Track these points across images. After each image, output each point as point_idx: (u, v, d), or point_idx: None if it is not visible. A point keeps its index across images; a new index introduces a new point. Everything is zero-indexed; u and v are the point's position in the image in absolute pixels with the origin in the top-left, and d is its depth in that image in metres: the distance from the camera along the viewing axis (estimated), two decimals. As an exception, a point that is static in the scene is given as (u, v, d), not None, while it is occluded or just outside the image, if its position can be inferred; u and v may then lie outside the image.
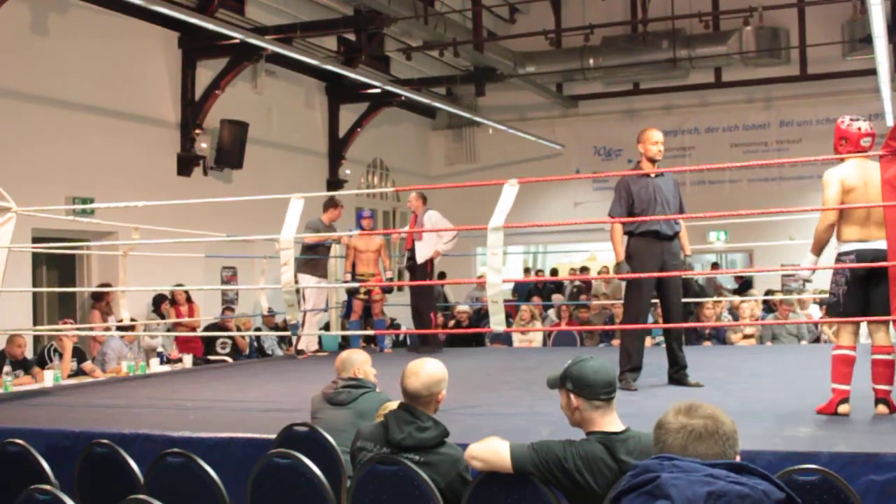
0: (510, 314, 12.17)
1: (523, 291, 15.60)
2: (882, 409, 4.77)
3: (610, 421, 3.13)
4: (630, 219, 6.11)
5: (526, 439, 3.21)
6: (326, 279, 10.01)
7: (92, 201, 10.14)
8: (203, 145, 12.16)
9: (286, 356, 10.44)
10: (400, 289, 15.31)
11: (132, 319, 8.98)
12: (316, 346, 9.98)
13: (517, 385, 6.84)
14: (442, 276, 10.30)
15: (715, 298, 11.66)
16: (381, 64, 15.81)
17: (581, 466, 3.04)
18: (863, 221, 4.83)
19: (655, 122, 15.52)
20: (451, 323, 11.91)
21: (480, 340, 11.61)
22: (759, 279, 15.56)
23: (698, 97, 17.02)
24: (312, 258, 9.60)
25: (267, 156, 13.42)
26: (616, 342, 9.43)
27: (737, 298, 12.22)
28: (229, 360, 10.25)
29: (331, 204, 9.67)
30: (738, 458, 2.24)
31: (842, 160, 4.97)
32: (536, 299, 14.04)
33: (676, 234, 6.30)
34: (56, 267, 10.82)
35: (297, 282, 7.38)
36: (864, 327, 5.70)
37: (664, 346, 6.48)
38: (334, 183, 15.05)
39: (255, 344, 10.87)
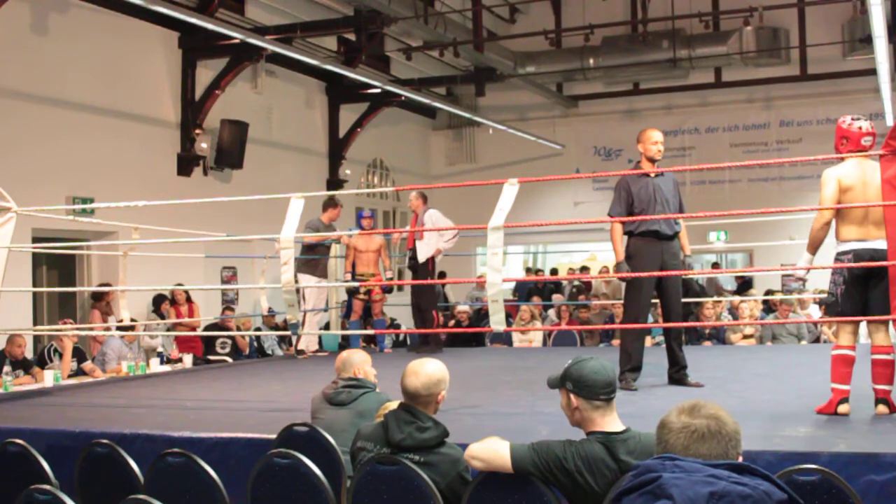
0: (510, 314, 12.16)
1: (523, 291, 15.60)
2: (882, 409, 4.77)
3: (610, 421, 3.13)
4: (630, 218, 6.11)
5: (526, 439, 3.21)
6: (326, 279, 10.01)
7: (92, 201, 10.14)
8: (203, 145, 12.16)
9: (286, 356, 10.44)
10: (400, 289, 15.32)
11: (132, 319, 8.97)
12: (316, 346, 9.98)
13: (517, 385, 6.84)
14: (442, 275, 10.30)
15: (715, 298, 11.67)
16: (381, 64, 15.81)
17: (581, 466, 3.04)
18: (861, 221, 4.84)
19: (655, 122, 15.55)
20: (451, 323, 11.91)
21: (480, 340, 11.61)
22: (759, 279, 15.56)
23: (698, 97, 17.02)
24: (312, 258, 9.60)
25: (267, 156, 13.42)
26: (616, 342, 9.43)
27: (737, 298, 12.22)
28: (229, 360, 10.25)
29: (330, 203, 9.67)
30: (740, 459, 2.24)
31: (842, 160, 4.97)
32: (536, 299, 14.04)
33: (676, 234, 6.30)
34: (56, 267, 10.82)
35: (297, 282, 7.37)
36: (863, 327, 5.71)
37: (664, 346, 6.48)
38: (334, 183, 15.06)
39: (255, 344, 10.87)
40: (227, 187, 12.63)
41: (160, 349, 9.98)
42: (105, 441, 4.09)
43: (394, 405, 3.69)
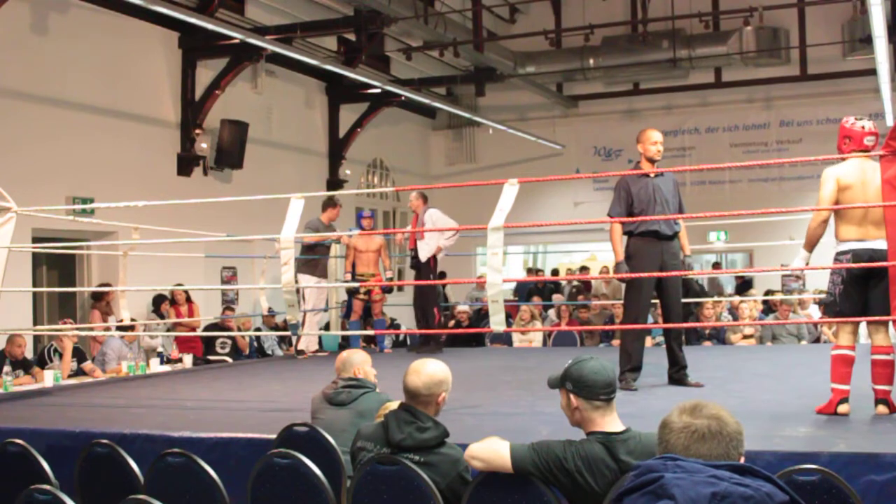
0: (510, 314, 12.17)
1: (523, 292, 15.60)
2: (882, 409, 4.77)
3: (610, 421, 3.13)
4: (629, 219, 6.11)
5: (526, 439, 3.21)
6: (326, 279, 10.01)
7: (92, 201, 10.14)
8: (203, 145, 12.16)
9: (286, 356, 10.44)
10: (400, 289, 15.32)
11: (132, 319, 8.97)
12: (316, 347, 9.98)
13: (517, 385, 6.84)
14: (442, 276, 10.31)
15: (715, 298, 11.67)
16: (381, 64, 15.81)
17: (581, 466, 3.04)
18: (860, 221, 4.84)
19: (655, 122, 15.55)
20: (451, 323, 11.91)
21: (480, 340, 11.61)
22: (759, 279, 15.56)
23: (698, 97, 17.02)
24: (312, 258, 9.60)
25: (267, 156, 13.42)
26: (616, 342, 9.43)
27: (737, 298, 12.22)
28: (229, 360, 10.25)
29: (329, 203, 9.67)
30: (742, 460, 2.24)
31: (843, 159, 4.97)
32: (536, 299, 14.04)
33: (676, 234, 6.30)
34: (56, 267, 10.82)
35: (296, 282, 7.37)
36: (863, 327, 5.71)
37: (664, 346, 6.48)
38: (334, 183, 15.06)
39: (255, 344, 10.87)
40: (227, 187, 12.63)
41: (160, 349, 9.98)
42: (105, 441, 4.09)
43: (394, 405, 3.69)
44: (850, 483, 3.15)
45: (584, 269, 17.06)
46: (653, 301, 6.55)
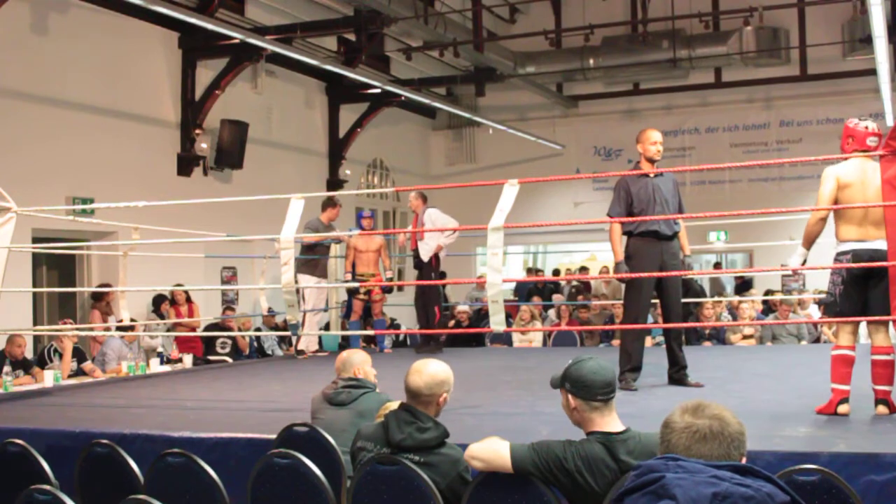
0: (510, 314, 12.17)
1: (523, 292, 15.60)
2: (882, 409, 4.77)
3: (610, 421, 3.14)
4: (629, 219, 6.11)
5: (526, 439, 3.21)
6: (326, 279, 10.01)
7: (92, 201, 10.14)
8: (203, 145, 12.16)
9: (286, 356, 10.44)
10: (400, 289, 15.31)
11: (132, 319, 8.98)
12: (316, 347, 9.98)
13: (517, 385, 6.84)
14: (442, 275, 10.31)
15: (715, 299, 11.67)
16: (381, 64, 15.81)
17: (581, 467, 3.04)
18: (860, 221, 4.83)
19: (655, 122, 15.55)
20: (452, 323, 11.91)
21: (480, 340, 11.61)
22: (759, 279, 15.56)
23: (698, 97, 17.02)
24: (312, 258, 9.60)
25: (267, 156, 13.42)
26: (616, 342, 9.43)
27: (736, 298, 12.22)
28: (229, 360, 10.25)
29: (329, 203, 9.67)
30: (744, 461, 2.24)
31: (844, 159, 4.97)
32: (536, 299, 14.04)
33: (676, 235, 6.30)
34: (56, 267, 10.82)
35: (296, 282, 7.36)
36: (863, 327, 5.71)
37: (664, 346, 6.48)
38: (334, 183, 15.06)
39: (255, 344, 10.87)
40: (227, 187, 12.63)
41: (160, 349, 9.98)
42: (105, 441, 4.09)
43: (394, 405, 3.69)
44: (850, 483, 3.15)
45: (583, 269, 17.06)
46: (653, 301, 6.55)
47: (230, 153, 12.41)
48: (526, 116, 17.94)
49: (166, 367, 9.17)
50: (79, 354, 8.80)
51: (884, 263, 4.67)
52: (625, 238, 6.29)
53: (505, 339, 11.21)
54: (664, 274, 6.11)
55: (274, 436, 4.23)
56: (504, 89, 16.89)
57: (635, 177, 6.22)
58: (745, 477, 2.14)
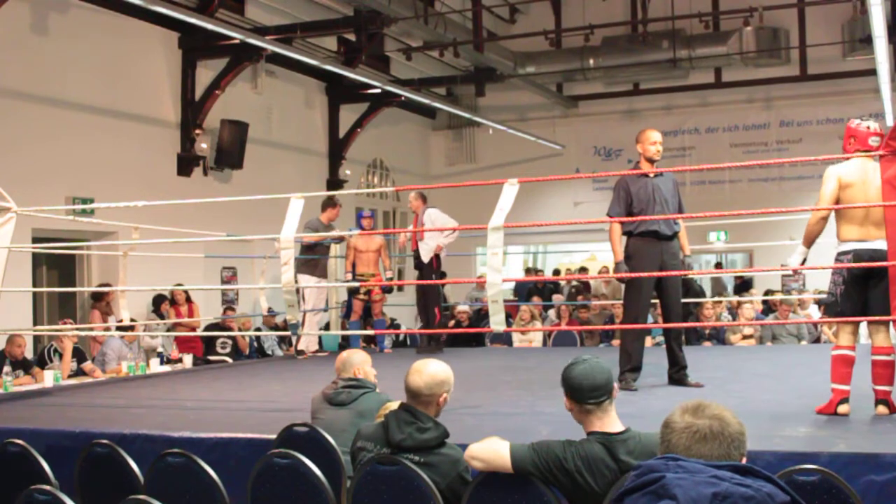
0: (510, 314, 12.17)
1: (523, 292, 15.59)
2: (882, 409, 4.77)
3: (609, 421, 3.14)
4: (629, 219, 6.11)
5: (526, 439, 3.21)
6: (326, 279, 10.01)
7: (92, 201, 10.14)
8: (203, 145, 12.16)
9: (286, 356, 10.44)
10: (400, 289, 15.31)
11: (132, 319, 8.97)
12: (316, 347, 9.98)
13: (517, 385, 6.84)
14: (442, 276, 10.31)
15: (715, 299, 11.66)
16: (381, 64, 15.81)
17: (581, 467, 3.04)
18: (861, 221, 4.83)
19: (655, 122, 15.55)
20: (452, 323, 11.91)
21: (480, 340, 11.61)
22: (759, 279, 15.56)
23: (698, 97, 17.02)
24: (312, 258, 9.60)
25: (267, 156, 13.42)
26: (616, 342, 9.43)
27: (736, 298, 12.22)
28: (229, 360, 10.25)
29: (329, 203, 9.67)
30: (744, 461, 2.24)
31: (845, 159, 4.96)
32: (536, 299, 14.04)
33: (675, 234, 6.30)
34: (56, 267, 10.82)
35: (296, 282, 7.37)
36: (863, 328, 5.70)
37: (664, 346, 6.48)
38: (334, 183, 15.05)
39: (255, 344, 10.87)
40: (227, 187, 12.63)
41: (160, 349, 9.98)
42: (105, 441, 4.09)
43: (394, 405, 3.69)
44: (850, 483, 3.15)
45: (583, 269, 17.06)
46: (653, 301, 6.55)
47: (230, 153, 12.41)
48: (526, 116, 17.94)
49: (166, 367, 9.17)
50: (79, 354, 8.80)
51: (884, 263, 4.67)
52: (624, 238, 6.29)
53: (505, 339, 11.21)
54: (664, 274, 6.11)
55: (274, 436, 4.23)
56: (504, 89, 16.89)
57: (635, 177, 6.22)
58: (746, 477, 2.14)
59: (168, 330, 10.56)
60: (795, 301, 11.08)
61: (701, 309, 10.45)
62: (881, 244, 4.74)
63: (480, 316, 12.40)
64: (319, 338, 10.21)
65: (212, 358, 10.22)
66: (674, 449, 2.25)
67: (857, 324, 4.95)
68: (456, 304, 12.77)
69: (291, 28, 12.50)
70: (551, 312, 13.14)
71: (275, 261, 6.70)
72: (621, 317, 6.84)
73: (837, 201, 4.86)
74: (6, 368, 7.53)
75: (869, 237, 4.80)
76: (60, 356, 8.51)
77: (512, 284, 16.00)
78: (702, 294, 12.39)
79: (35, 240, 9.27)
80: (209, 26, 10.44)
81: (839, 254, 4.91)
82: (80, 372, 8.65)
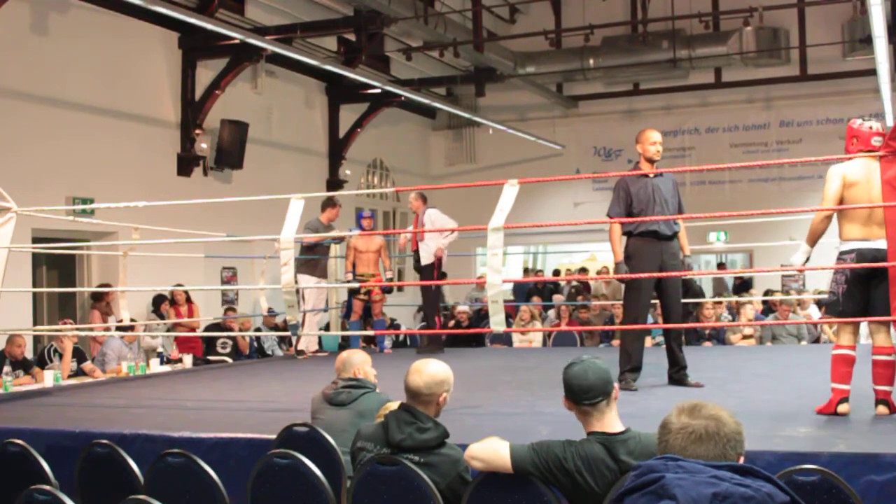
0: (510, 314, 12.16)
1: (522, 292, 15.59)
2: (882, 409, 4.76)
3: (609, 422, 3.14)
4: (629, 219, 6.11)
5: (526, 439, 3.21)
6: (326, 279, 10.00)
7: (92, 201, 10.14)
8: (203, 145, 12.16)
9: (286, 356, 10.44)
10: (400, 289, 15.31)
11: (132, 319, 8.97)
12: (316, 347, 9.98)
13: (517, 385, 6.84)
14: (442, 276, 10.31)
15: (715, 299, 11.66)
16: (381, 64, 15.81)
17: (581, 467, 3.04)
18: (864, 220, 4.82)
19: (655, 122, 15.55)
20: (451, 323, 11.91)
21: (480, 341, 11.60)
22: (759, 279, 15.56)
23: (698, 97, 17.02)
24: (312, 258, 9.60)
25: (267, 156, 13.42)
26: (616, 342, 9.43)
27: (735, 298, 12.22)
28: (229, 360, 10.25)
29: (329, 203, 9.68)
30: (741, 460, 2.24)
31: (847, 159, 4.96)
32: (536, 299, 14.04)
33: (675, 235, 6.30)
34: (56, 267, 10.82)
35: (296, 282, 7.37)
36: (864, 327, 5.70)
37: (664, 346, 6.48)
38: (334, 183, 15.06)
39: (255, 344, 10.87)
40: (227, 187, 12.63)
41: (160, 349, 9.98)
42: (105, 441, 4.09)
43: (394, 405, 3.69)
44: (850, 483, 3.15)
45: (583, 269, 17.06)
46: (653, 301, 6.55)
47: (230, 153, 12.41)
48: (526, 116, 17.94)
49: (166, 367, 9.17)
50: (79, 354, 8.80)
51: (887, 264, 4.66)
52: (624, 238, 6.29)
53: (505, 339, 11.21)
54: (664, 274, 6.11)
55: (274, 436, 4.23)
56: (504, 89, 16.89)
57: (635, 177, 6.22)
58: (745, 477, 2.14)
59: (168, 330, 10.56)
60: (795, 301, 11.08)
61: (701, 309, 10.45)
62: (884, 244, 4.73)
63: (480, 316, 12.39)
64: (319, 338, 10.21)
65: (212, 358, 10.22)
66: (671, 450, 2.25)
67: (857, 323, 4.95)
68: (456, 304, 12.77)
69: (291, 28, 12.50)
70: (551, 313, 13.14)
71: (275, 261, 6.70)
72: (621, 317, 6.83)
73: (841, 200, 4.86)
74: (6, 368, 7.53)
75: (872, 236, 4.79)
76: (60, 356, 8.51)
77: (511, 284, 16.00)
78: (701, 294, 12.38)
79: (35, 240, 9.27)
80: (209, 26, 10.44)
81: (841, 253, 4.89)
82: (80, 372, 8.65)
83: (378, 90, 14.25)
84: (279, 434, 4.18)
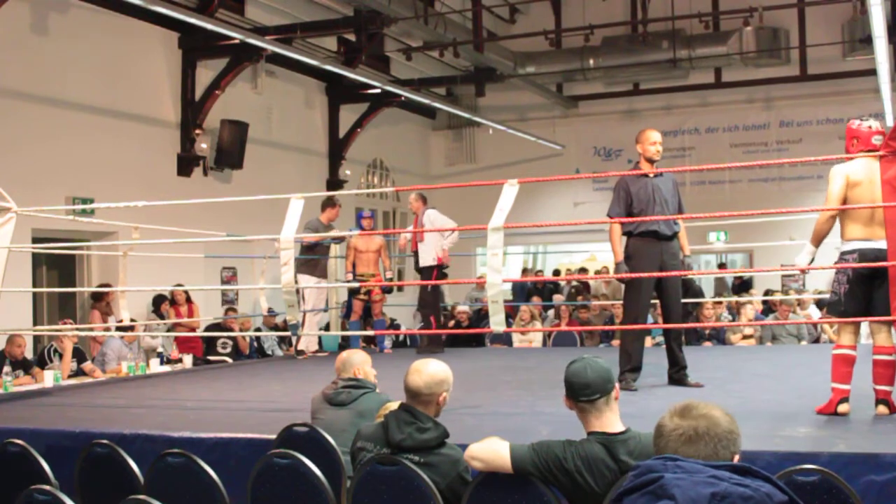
0: (510, 314, 12.16)
1: (521, 292, 15.58)
2: (882, 409, 4.76)
3: (609, 421, 3.14)
4: (629, 219, 6.11)
5: (526, 439, 3.21)
6: (326, 279, 10.01)
7: (92, 201, 10.14)
8: (203, 145, 12.16)
9: (286, 356, 10.44)
10: (400, 289, 15.31)
11: (132, 319, 8.97)
12: (316, 347, 9.98)
13: (517, 385, 6.84)
14: (442, 276, 10.32)
15: (715, 299, 11.66)
16: (381, 64, 15.81)
17: (581, 467, 3.04)
18: (867, 220, 4.81)
19: (655, 122, 15.55)
20: (451, 323, 11.91)
21: (480, 341, 11.60)
22: (759, 279, 15.55)
23: (698, 97, 17.02)
24: (312, 258, 9.60)
25: (267, 156, 13.42)
26: (616, 342, 9.43)
27: (735, 299, 12.22)
28: (229, 360, 10.25)
29: (329, 203, 9.68)
30: (736, 459, 2.24)
31: (847, 159, 4.95)
32: (536, 299, 14.04)
33: (675, 235, 6.30)
34: (56, 267, 10.82)
35: (296, 282, 7.37)
36: (865, 327, 5.69)
37: (664, 346, 6.48)
38: (334, 183, 15.06)
39: (255, 344, 10.87)
40: (227, 187, 12.63)
41: (160, 349, 9.98)
42: (105, 441, 4.09)
43: (394, 406, 3.69)
44: (850, 483, 3.15)
45: (583, 269, 17.06)
46: (653, 301, 6.55)
47: (230, 153, 12.41)
48: (526, 116, 17.94)
49: (166, 367, 9.17)
50: (79, 354, 8.80)
51: (888, 263, 4.66)
52: (624, 238, 6.29)
53: (505, 339, 11.21)
54: (664, 274, 6.11)
55: (274, 436, 4.23)
56: (504, 89, 16.89)
57: (635, 177, 6.22)
58: (744, 477, 2.14)
59: (168, 330, 10.56)
60: (795, 301, 11.08)
61: (701, 309, 10.45)
62: (886, 244, 4.73)
63: (480, 316, 12.39)
64: (319, 338, 10.20)
65: (212, 358, 10.22)
66: (666, 451, 2.25)
67: (858, 323, 4.94)
68: (456, 304, 12.77)
69: (291, 28, 12.50)
70: (551, 313, 13.14)
71: (275, 261, 6.70)
72: (621, 317, 6.83)
73: (845, 200, 4.85)
74: (6, 368, 7.53)
75: (874, 236, 4.78)
76: (60, 356, 8.50)
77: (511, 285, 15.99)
78: (701, 294, 12.38)
79: (35, 240, 9.27)
80: (209, 26, 10.44)
81: (843, 253, 4.89)
82: (80, 372, 8.65)
83: (378, 90, 14.25)
84: (279, 434, 4.18)
